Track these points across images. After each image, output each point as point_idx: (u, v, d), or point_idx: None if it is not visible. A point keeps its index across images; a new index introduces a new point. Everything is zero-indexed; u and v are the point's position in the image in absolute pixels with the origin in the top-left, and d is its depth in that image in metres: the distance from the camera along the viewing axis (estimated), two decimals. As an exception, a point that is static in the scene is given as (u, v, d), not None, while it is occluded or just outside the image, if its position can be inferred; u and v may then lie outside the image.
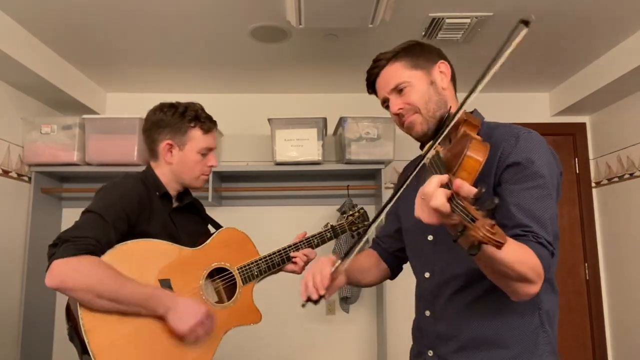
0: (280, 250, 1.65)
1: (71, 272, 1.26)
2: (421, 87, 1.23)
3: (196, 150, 1.59)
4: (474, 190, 0.80)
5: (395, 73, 1.25)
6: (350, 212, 1.87)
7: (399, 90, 1.25)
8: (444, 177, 0.86)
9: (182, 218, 1.62)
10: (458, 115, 1.09)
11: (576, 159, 3.17)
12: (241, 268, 1.59)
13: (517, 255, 0.94)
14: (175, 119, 1.57)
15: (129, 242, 1.40)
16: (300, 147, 2.71)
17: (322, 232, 1.73)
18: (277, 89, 3.13)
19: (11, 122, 2.58)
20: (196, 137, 1.59)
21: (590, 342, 3.02)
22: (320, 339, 2.99)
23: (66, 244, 1.29)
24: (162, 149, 1.58)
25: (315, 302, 1.20)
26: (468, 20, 2.20)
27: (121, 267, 1.35)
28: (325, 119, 2.75)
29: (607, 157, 3.01)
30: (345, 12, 2.00)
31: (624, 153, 2.85)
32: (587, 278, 3.06)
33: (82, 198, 2.96)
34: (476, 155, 0.97)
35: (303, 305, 1.22)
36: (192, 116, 1.58)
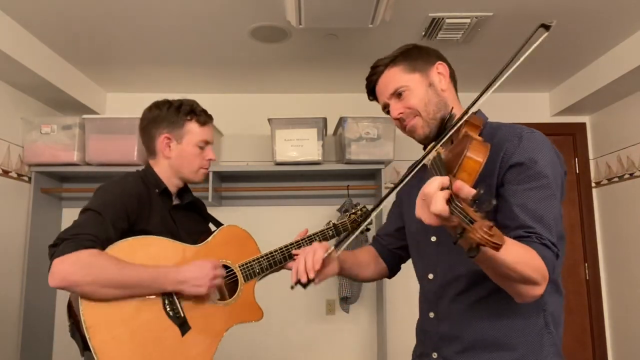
0: (282, 248, 1.65)
1: (71, 267, 1.27)
2: (420, 90, 1.23)
3: (194, 143, 1.60)
4: (473, 191, 0.80)
5: (393, 78, 1.25)
6: (353, 211, 1.87)
7: (398, 94, 1.25)
8: (445, 180, 0.86)
9: (182, 216, 1.62)
10: (464, 118, 1.09)
11: (576, 159, 3.17)
12: (242, 265, 1.59)
13: (519, 256, 0.94)
14: (171, 114, 1.59)
15: (129, 239, 1.40)
16: (300, 147, 2.71)
17: (324, 230, 1.73)
18: (277, 89, 3.13)
19: (11, 122, 2.58)
20: (193, 130, 1.60)
21: (590, 342, 3.02)
22: (320, 339, 2.99)
23: (65, 242, 1.29)
24: (159, 143, 1.59)
25: (304, 285, 1.23)
26: (468, 20, 2.20)
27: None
28: (325, 119, 2.75)
29: (607, 157, 3.01)
30: (345, 12, 2.00)
31: (624, 153, 2.85)
32: (587, 278, 3.06)
33: (82, 198, 2.96)
34: (476, 156, 0.97)
35: (292, 287, 1.25)
36: (188, 110, 1.60)
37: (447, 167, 1.01)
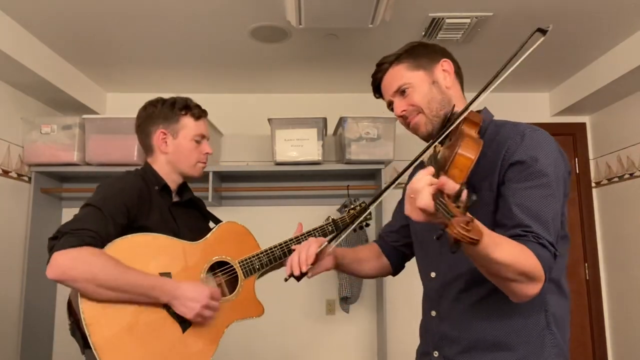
0: (281, 244, 1.65)
1: (71, 262, 1.27)
2: (423, 88, 1.23)
3: (190, 137, 1.61)
4: (457, 187, 0.80)
5: (397, 75, 1.25)
6: (352, 206, 1.87)
7: (401, 92, 1.25)
8: (431, 174, 0.86)
9: (182, 213, 1.62)
10: (458, 120, 1.09)
11: (576, 159, 3.17)
12: (242, 261, 1.60)
13: (513, 255, 0.93)
14: (166, 109, 1.61)
15: (129, 236, 1.41)
16: (300, 147, 2.71)
17: (323, 226, 1.74)
18: (277, 89, 3.13)
19: (11, 122, 2.58)
20: (188, 124, 1.61)
21: (590, 342, 3.02)
22: (320, 339, 2.99)
23: (66, 236, 1.29)
24: (156, 139, 1.60)
25: (298, 278, 1.31)
26: (468, 20, 2.20)
27: (121, 261, 1.35)
28: (325, 119, 2.75)
29: (607, 157, 3.01)
30: (345, 12, 2.00)
31: (624, 153, 2.85)
32: (587, 278, 3.06)
33: (82, 198, 2.96)
34: (467, 152, 0.97)
35: (285, 280, 1.33)
36: (182, 105, 1.62)
37: (442, 164, 1.01)
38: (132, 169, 1.62)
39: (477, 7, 2.12)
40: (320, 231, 1.72)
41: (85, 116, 2.68)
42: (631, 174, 2.79)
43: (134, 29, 2.30)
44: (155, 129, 1.60)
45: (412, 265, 1.55)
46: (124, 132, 2.61)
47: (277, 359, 2.96)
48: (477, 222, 0.79)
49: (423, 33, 2.33)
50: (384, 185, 2.78)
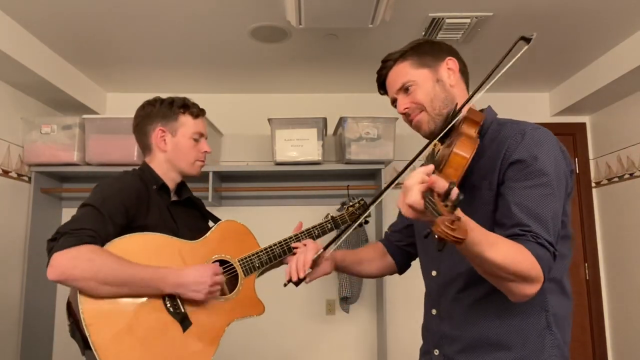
0: (281, 242, 1.65)
1: (71, 261, 1.26)
2: (427, 86, 1.22)
3: (188, 136, 1.61)
4: (446, 186, 0.80)
5: (402, 73, 1.25)
6: (351, 203, 1.87)
7: (405, 89, 1.25)
8: (424, 173, 0.86)
9: (181, 212, 1.62)
10: (453, 122, 1.10)
11: (576, 159, 3.17)
12: (242, 260, 1.59)
13: (509, 255, 0.93)
14: (164, 108, 1.61)
15: (127, 235, 1.40)
16: (300, 147, 2.71)
17: (322, 223, 1.74)
18: (277, 89, 3.13)
19: (11, 122, 2.58)
20: (187, 123, 1.62)
21: (590, 342, 3.02)
22: (320, 339, 2.99)
23: (65, 237, 1.29)
24: (154, 138, 1.60)
25: (296, 283, 1.36)
26: (468, 20, 2.20)
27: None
28: (325, 119, 2.75)
29: (607, 157, 3.01)
30: (345, 12, 2.00)
31: (624, 153, 2.85)
32: (587, 278, 3.06)
33: (82, 198, 2.95)
34: (462, 151, 0.97)
35: (285, 285, 1.39)
36: (181, 103, 1.62)
37: (437, 162, 1.01)
38: (132, 169, 1.62)
39: (477, 7, 2.12)
40: (320, 229, 1.72)
41: (85, 116, 2.68)
42: (631, 174, 2.79)
43: (134, 29, 2.30)
44: (154, 128, 1.60)
45: (412, 265, 1.55)
46: (124, 132, 2.61)
47: (277, 359, 2.96)
48: (465, 222, 0.78)
49: (423, 33, 2.33)
50: (384, 185, 2.78)
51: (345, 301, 2.85)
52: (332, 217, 1.77)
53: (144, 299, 1.38)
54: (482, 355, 1.12)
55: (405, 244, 1.48)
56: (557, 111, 3.13)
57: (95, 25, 2.25)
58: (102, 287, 1.30)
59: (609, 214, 3.00)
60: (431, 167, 0.92)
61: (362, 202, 1.87)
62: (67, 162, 2.66)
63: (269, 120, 2.74)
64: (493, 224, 1.08)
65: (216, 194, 2.88)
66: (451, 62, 1.25)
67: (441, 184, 0.81)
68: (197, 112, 1.65)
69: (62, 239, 1.29)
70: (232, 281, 1.59)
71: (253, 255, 1.61)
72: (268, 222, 2.96)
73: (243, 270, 1.59)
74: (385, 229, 2.76)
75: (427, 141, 1.24)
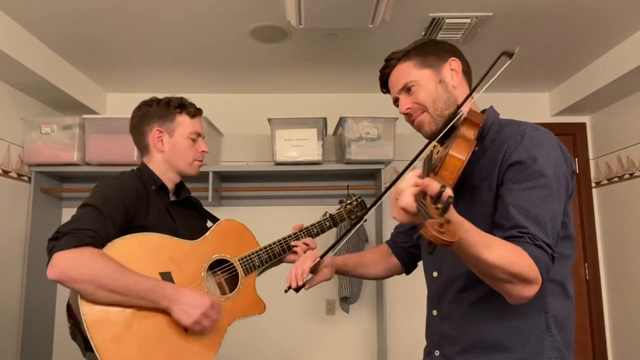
0: (280, 240, 1.65)
1: (72, 263, 1.26)
2: (429, 86, 1.22)
3: (186, 135, 1.61)
4: (438, 188, 0.79)
5: (404, 73, 1.25)
6: (349, 201, 1.87)
7: (407, 89, 1.24)
8: (418, 176, 0.86)
9: (179, 212, 1.62)
10: (448, 126, 1.10)
11: (576, 159, 3.17)
12: (242, 259, 1.59)
13: (505, 256, 0.93)
14: (161, 108, 1.60)
15: (127, 236, 1.40)
16: (300, 147, 2.71)
17: (321, 221, 1.74)
18: (277, 89, 3.13)
19: (11, 122, 2.58)
20: (184, 122, 1.61)
21: (590, 342, 3.02)
22: (320, 339, 2.99)
23: (66, 237, 1.28)
24: (152, 138, 1.60)
25: (296, 290, 1.39)
26: (468, 20, 2.20)
27: (121, 261, 1.35)
28: (325, 119, 2.75)
29: (607, 157, 3.01)
30: (345, 12, 2.00)
31: (624, 153, 2.85)
32: (587, 278, 3.06)
33: (82, 198, 2.95)
34: (458, 154, 0.97)
35: (285, 291, 1.41)
36: (178, 103, 1.62)
37: (433, 165, 1.01)
38: (130, 169, 1.61)
39: (477, 7, 2.12)
40: (318, 227, 1.73)
41: (85, 116, 2.68)
42: (631, 174, 2.79)
43: (134, 29, 2.30)
44: (151, 128, 1.59)
45: (418, 266, 1.55)
46: (124, 132, 2.58)
47: (277, 359, 2.96)
48: (458, 224, 0.78)
49: (423, 33, 2.33)
50: (384, 185, 2.79)
51: (345, 301, 2.85)
52: (330, 215, 1.77)
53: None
54: (482, 356, 1.12)
55: (410, 245, 1.49)
56: (557, 111, 3.13)
57: (95, 25, 2.25)
58: (99, 291, 1.29)
59: (609, 214, 3.00)
60: (418, 171, 0.92)
61: (359, 200, 1.88)
62: (67, 162, 2.66)
63: (269, 120, 2.74)
64: (492, 225, 1.08)
65: (216, 194, 2.88)
66: (454, 63, 1.24)
67: (433, 187, 0.80)
68: (194, 112, 1.64)
69: (63, 239, 1.28)
70: (232, 280, 1.59)
71: (253, 254, 1.61)
72: (268, 222, 2.96)
73: (243, 270, 1.59)
74: (385, 229, 2.77)
75: (427, 141, 1.25)
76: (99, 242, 1.33)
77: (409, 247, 1.49)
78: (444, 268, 1.23)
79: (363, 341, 2.99)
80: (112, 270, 1.30)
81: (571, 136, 3.20)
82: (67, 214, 2.98)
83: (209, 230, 1.60)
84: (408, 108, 1.24)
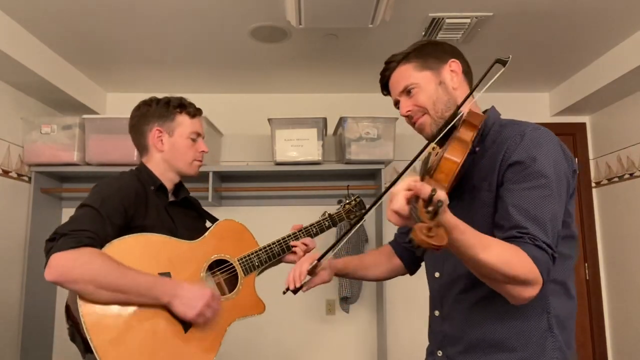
0: (279, 240, 1.65)
1: (71, 263, 1.25)
2: (429, 89, 1.22)
3: (186, 135, 1.60)
4: (428, 192, 0.79)
5: (404, 75, 1.25)
6: (347, 201, 1.87)
7: (407, 92, 1.24)
8: (412, 180, 0.86)
9: (178, 212, 1.61)
10: (444, 130, 1.10)
11: (576, 159, 3.16)
12: (241, 259, 1.59)
13: (503, 257, 0.93)
14: (161, 108, 1.60)
15: (126, 236, 1.40)
16: (300, 147, 2.71)
17: (320, 221, 1.74)
18: (277, 89, 3.13)
19: (11, 122, 2.58)
20: (184, 122, 1.60)
21: (590, 342, 3.02)
22: (320, 339, 2.99)
23: (64, 238, 1.28)
24: (151, 138, 1.59)
25: (294, 292, 1.39)
26: (468, 20, 2.20)
27: (120, 261, 1.34)
28: (325, 119, 2.75)
29: (607, 157, 3.01)
30: (345, 12, 2.00)
31: (624, 153, 2.85)
32: (587, 278, 3.06)
33: (82, 198, 2.92)
34: (453, 156, 0.97)
35: (284, 293, 1.41)
36: (177, 103, 1.61)
37: (430, 167, 1.02)
38: (129, 169, 1.61)
39: (477, 7, 2.12)
40: (318, 226, 1.73)
41: (85, 116, 2.68)
42: (631, 174, 2.79)
43: (134, 29, 2.30)
44: (151, 128, 1.59)
45: (421, 266, 1.55)
46: (124, 132, 2.57)
47: (277, 359, 2.96)
48: (444, 229, 0.79)
49: (423, 33, 2.33)
50: (384, 185, 2.79)
51: (345, 301, 2.85)
52: (329, 214, 1.77)
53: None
54: (484, 356, 1.12)
55: (412, 245, 1.48)
56: (557, 111, 3.13)
57: (95, 25, 2.25)
58: (99, 291, 1.29)
59: (609, 214, 3.00)
60: (416, 177, 0.92)
61: (358, 200, 1.88)
62: (67, 162, 2.66)
63: (269, 120, 2.74)
64: (492, 226, 1.08)
65: (216, 194, 2.88)
66: (454, 64, 1.24)
67: (425, 191, 0.80)
68: (194, 112, 1.64)
69: (61, 240, 1.27)
70: (232, 281, 1.59)
71: (252, 254, 1.61)
72: (268, 222, 2.96)
73: (243, 270, 1.58)
74: (385, 229, 2.77)
75: (427, 141, 1.25)
76: (98, 242, 1.32)
77: (411, 248, 1.49)
78: (445, 268, 1.23)
79: (363, 341, 2.99)
80: (111, 269, 1.30)
81: (571, 136, 3.20)
82: (67, 214, 2.96)
83: (208, 231, 1.59)
84: (409, 111, 1.24)
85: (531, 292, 0.97)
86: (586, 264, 3.07)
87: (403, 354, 2.87)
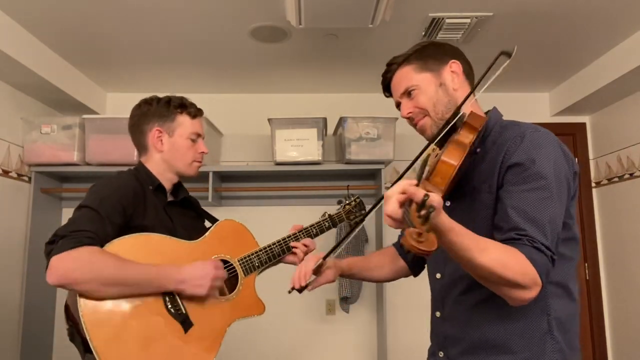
0: (279, 241, 1.65)
1: (71, 264, 1.25)
2: (429, 90, 1.22)
3: (186, 136, 1.59)
4: (421, 196, 0.79)
5: (405, 77, 1.25)
6: (347, 202, 1.87)
7: (408, 93, 1.24)
8: (406, 183, 0.86)
9: (177, 212, 1.61)
10: (446, 128, 1.10)
11: (576, 159, 3.15)
12: (241, 259, 1.59)
13: (500, 260, 0.93)
14: (161, 108, 1.59)
15: (126, 236, 1.39)
16: (300, 147, 2.71)
17: (320, 222, 1.73)
18: (277, 89, 3.13)
19: (11, 122, 2.58)
20: (184, 123, 1.60)
21: (590, 342, 3.02)
22: (320, 339, 2.99)
23: (64, 239, 1.27)
24: (151, 138, 1.58)
25: (299, 291, 1.41)
26: (468, 20, 2.20)
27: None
28: (325, 119, 2.75)
29: (607, 157, 3.01)
30: (345, 12, 2.00)
31: (624, 153, 2.85)
32: (587, 278, 3.06)
33: (82, 198, 2.93)
34: (450, 159, 0.97)
35: (289, 292, 1.43)
36: (178, 103, 1.60)
37: (428, 170, 1.02)
38: (127, 168, 1.60)
39: (477, 7, 2.12)
40: (318, 227, 1.72)
41: (85, 116, 2.68)
42: (631, 174, 2.79)
43: (134, 29, 2.30)
44: (151, 127, 1.58)
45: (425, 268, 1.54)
46: (124, 132, 2.56)
47: (277, 359, 2.96)
48: (435, 234, 0.78)
49: (423, 33, 2.33)
50: (384, 185, 2.79)
51: (345, 301, 2.85)
52: (329, 215, 1.77)
53: (145, 301, 1.37)
54: (485, 357, 1.12)
55: None
56: (557, 111, 3.13)
57: (95, 25, 2.25)
58: (104, 288, 1.29)
59: (609, 214, 3.00)
60: (414, 181, 0.92)
61: (358, 200, 1.87)
62: (67, 162, 2.66)
63: (269, 120, 2.74)
64: (492, 228, 1.08)
65: (216, 194, 2.88)
66: (455, 65, 1.23)
67: (418, 195, 0.80)
68: (195, 112, 1.63)
69: (61, 241, 1.27)
70: (232, 281, 1.59)
71: (252, 254, 1.61)
72: (268, 222, 2.95)
73: (243, 270, 1.58)
74: (385, 229, 2.77)
75: (427, 141, 1.25)
76: (98, 242, 1.32)
77: (403, 252, 1.49)
78: (447, 270, 1.23)
79: (363, 341, 2.99)
80: (113, 265, 1.30)
81: (571, 136, 3.20)
82: (67, 214, 2.98)
83: (208, 231, 1.59)
84: (409, 112, 1.24)
85: (529, 294, 0.97)
86: (586, 264, 3.07)
87: (403, 354, 2.87)
